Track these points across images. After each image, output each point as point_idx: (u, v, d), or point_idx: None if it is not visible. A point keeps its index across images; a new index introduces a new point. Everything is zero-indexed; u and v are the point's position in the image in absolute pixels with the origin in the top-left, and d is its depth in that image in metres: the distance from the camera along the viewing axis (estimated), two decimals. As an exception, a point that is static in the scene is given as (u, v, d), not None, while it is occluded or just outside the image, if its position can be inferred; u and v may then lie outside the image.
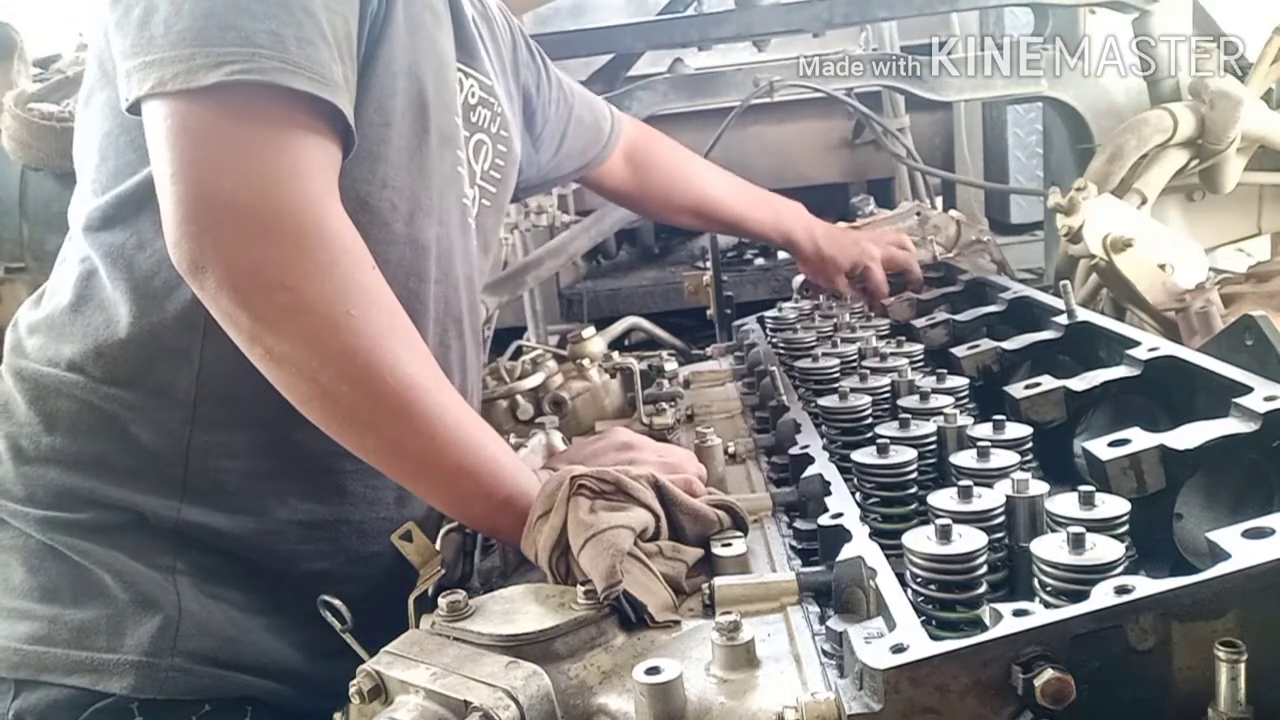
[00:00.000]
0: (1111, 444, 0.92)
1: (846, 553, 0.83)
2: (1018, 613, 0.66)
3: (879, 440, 1.02)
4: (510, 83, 1.47)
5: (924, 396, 1.17)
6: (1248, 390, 0.97)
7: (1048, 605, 0.71)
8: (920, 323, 1.63)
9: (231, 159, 0.92)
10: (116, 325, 1.07)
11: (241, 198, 0.91)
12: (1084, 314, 1.36)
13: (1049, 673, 0.62)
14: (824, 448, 1.15)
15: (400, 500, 1.18)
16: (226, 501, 1.09)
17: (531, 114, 1.56)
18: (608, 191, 1.83)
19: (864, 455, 1.01)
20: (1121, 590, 0.65)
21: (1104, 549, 0.75)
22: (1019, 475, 0.90)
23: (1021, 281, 1.86)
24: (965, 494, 0.88)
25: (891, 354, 1.41)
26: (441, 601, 0.82)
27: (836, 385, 1.27)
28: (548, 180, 1.68)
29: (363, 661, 0.79)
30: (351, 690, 0.77)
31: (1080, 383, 1.14)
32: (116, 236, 1.08)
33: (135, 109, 0.95)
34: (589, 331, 1.79)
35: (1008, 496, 0.88)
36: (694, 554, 0.93)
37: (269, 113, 0.93)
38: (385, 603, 0.94)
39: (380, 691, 0.77)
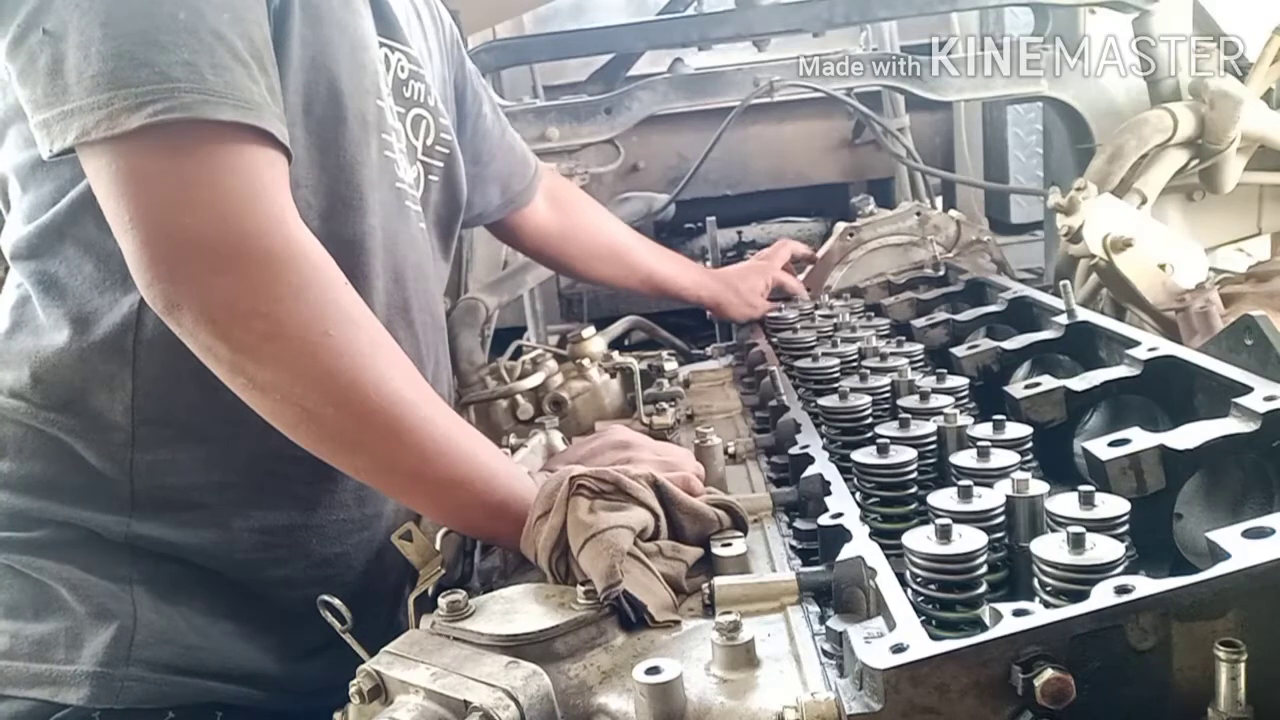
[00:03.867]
0: (1111, 444, 0.92)
1: (846, 553, 0.83)
2: (1018, 613, 0.66)
3: (879, 440, 1.02)
4: (444, 69, 1.45)
5: (924, 396, 1.17)
6: (1248, 390, 0.97)
7: (1048, 605, 0.71)
8: (920, 323, 1.63)
9: (185, 196, 0.90)
10: (49, 351, 1.07)
11: (204, 232, 0.90)
12: (1084, 314, 1.36)
13: (1049, 673, 0.62)
14: (824, 448, 1.15)
15: (360, 501, 1.17)
16: (178, 515, 1.08)
17: (463, 119, 1.52)
18: (530, 235, 1.73)
19: (864, 455, 1.01)
20: (1121, 590, 0.65)
21: (1104, 549, 0.75)
22: (1019, 475, 0.90)
23: (1021, 281, 1.86)
24: (965, 494, 0.88)
25: (891, 354, 1.41)
26: (441, 601, 0.82)
27: (836, 385, 1.27)
28: (472, 211, 1.53)
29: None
30: (351, 690, 0.77)
31: (1080, 383, 1.14)
32: (46, 264, 1.07)
33: (63, 153, 0.91)
34: (589, 331, 1.78)
35: (1008, 496, 0.88)
36: (694, 554, 0.93)
37: (206, 144, 0.91)
38: (356, 604, 0.94)
39: (380, 691, 0.77)
